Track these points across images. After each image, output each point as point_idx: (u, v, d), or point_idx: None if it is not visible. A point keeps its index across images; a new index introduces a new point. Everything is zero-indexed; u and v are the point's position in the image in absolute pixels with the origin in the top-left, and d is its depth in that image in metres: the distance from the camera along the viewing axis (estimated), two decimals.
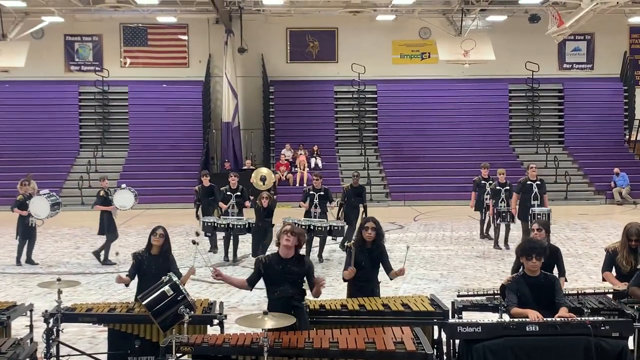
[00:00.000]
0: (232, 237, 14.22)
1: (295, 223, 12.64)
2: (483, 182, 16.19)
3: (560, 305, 6.34)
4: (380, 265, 7.54)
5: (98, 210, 14.27)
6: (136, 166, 26.35)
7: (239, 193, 14.59)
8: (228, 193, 14.55)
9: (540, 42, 26.06)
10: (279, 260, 6.53)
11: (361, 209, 14.82)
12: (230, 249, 14.27)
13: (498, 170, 15.43)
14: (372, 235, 7.41)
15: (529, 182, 14.46)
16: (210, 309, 7.22)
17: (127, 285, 7.66)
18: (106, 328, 7.29)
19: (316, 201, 14.19)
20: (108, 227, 14.11)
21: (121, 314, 7.05)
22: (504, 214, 14.96)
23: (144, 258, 7.61)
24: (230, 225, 14.00)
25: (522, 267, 6.58)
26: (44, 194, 14.24)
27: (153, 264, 7.55)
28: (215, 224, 14.20)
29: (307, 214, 14.15)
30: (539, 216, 13.65)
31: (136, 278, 7.64)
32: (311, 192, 14.33)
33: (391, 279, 7.71)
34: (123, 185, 15.17)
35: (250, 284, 6.69)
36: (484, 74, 27.77)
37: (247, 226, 14.01)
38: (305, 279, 6.58)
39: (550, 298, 6.37)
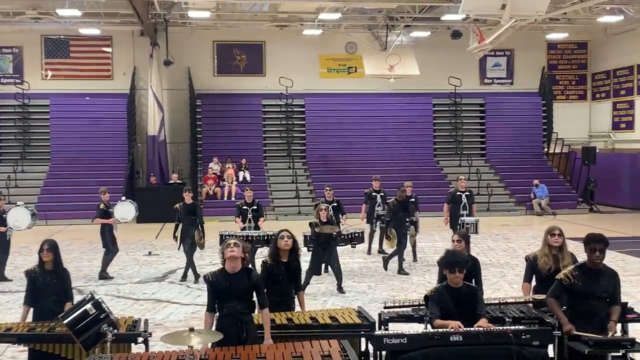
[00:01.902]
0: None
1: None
2: (374, 194, 16.23)
3: (480, 317, 6.44)
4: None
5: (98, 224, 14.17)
6: (58, 181, 25.65)
7: (255, 207, 14.37)
8: (244, 207, 14.31)
9: (463, 57, 26.70)
10: (225, 276, 6.44)
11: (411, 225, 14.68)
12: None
13: (405, 183, 15.44)
14: (289, 244, 7.40)
15: (458, 193, 15.28)
16: (134, 326, 7.07)
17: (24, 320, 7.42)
18: (26, 348, 7.07)
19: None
20: (111, 241, 13.99)
21: (42, 334, 6.83)
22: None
23: (37, 274, 7.45)
24: (249, 237, 13.30)
25: (445, 278, 6.67)
26: (21, 205, 14.46)
27: (48, 279, 7.41)
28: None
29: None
30: (467, 225, 14.45)
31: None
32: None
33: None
34: (123, 198, 14.95)
35: (212, 309, 6.47)
36: (409, 88, 28.26)
37: (265, 238, 13.44)
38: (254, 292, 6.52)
39: (472, 309, 6.45)
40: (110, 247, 14.05)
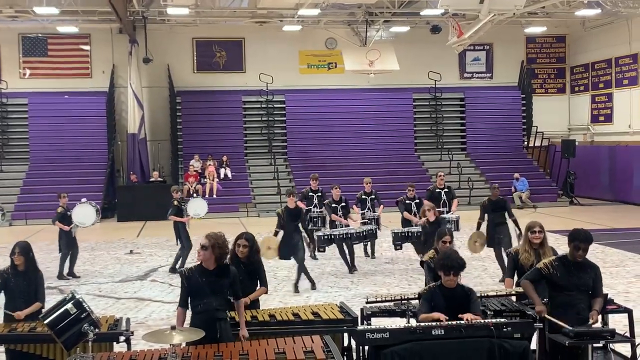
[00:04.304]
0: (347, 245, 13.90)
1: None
2: (311, 194, 15.77)
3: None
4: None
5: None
6: (38, 180, 25.41)
7: (343, 204, 14.35)
8: (333, 205, 14.27)
9: (442, 52, 26.80)
10: (202, 271, 6.34)
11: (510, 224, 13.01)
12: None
13: (364, 180, 15.41)
14: (245, 252, 7.40)
15: (437, 190, 14.73)
16: (116, 325, 7.03)
17: None
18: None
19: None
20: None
21: (22, 334, 6.78)
22: (369, 223, 14.74)
23: (10, 275, 7.42)
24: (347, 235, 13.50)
25: (440, 278, 6.55)
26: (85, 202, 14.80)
27: (19, 281, 7.38)
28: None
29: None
30: (448, 223, 13.58)
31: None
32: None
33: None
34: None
35: (185, 305, 6.35)
36: (389, 83, 28.32)
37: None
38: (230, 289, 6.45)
39: (465, 310, 6.38)
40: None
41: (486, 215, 13.07)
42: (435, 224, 11.61)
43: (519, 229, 12.03)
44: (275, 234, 12.52)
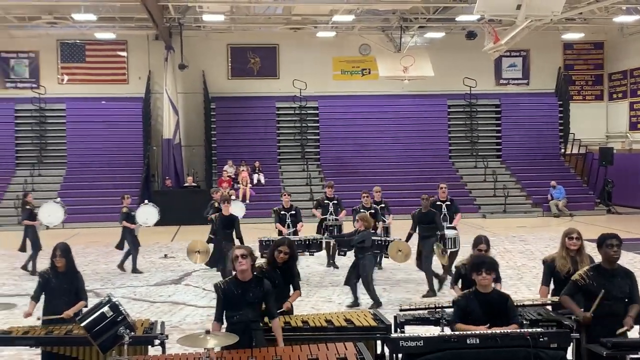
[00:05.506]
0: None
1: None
2: (326, 201, 15.46)
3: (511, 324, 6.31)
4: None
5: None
6: (74, 184, 25.80)
7: (293, 212, 14.17)
8: (282, 212, 14.13)
9: (478, 58, 26.58)
10: (237, 284, 6.38)
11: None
12: None
13: (374, 188, 15.08)
14: (285, 259, 7.39)
15: (438, 203, 13.71)
16: (151, 329, 7.10)
17: (29, 315, 7.46)
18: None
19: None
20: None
21: (59, 337, 6.86)
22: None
23: (51, 276, 7.51)
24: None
25: (474, 284, 6.48)
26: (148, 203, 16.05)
27: (60, 281, 7.46)
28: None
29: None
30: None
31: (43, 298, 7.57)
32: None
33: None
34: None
35: (220, 320, 6.38)
36: (423, 89, 28.20)
37: (306, 243, 13.44)
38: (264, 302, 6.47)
39: (502, 316, 6.29)
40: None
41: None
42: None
43: (443, 246, 12.14)
44: (209, 240, 12.68)
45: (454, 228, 13.40)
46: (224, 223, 12.44)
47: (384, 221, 14.67)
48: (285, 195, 14.67)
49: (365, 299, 11.35)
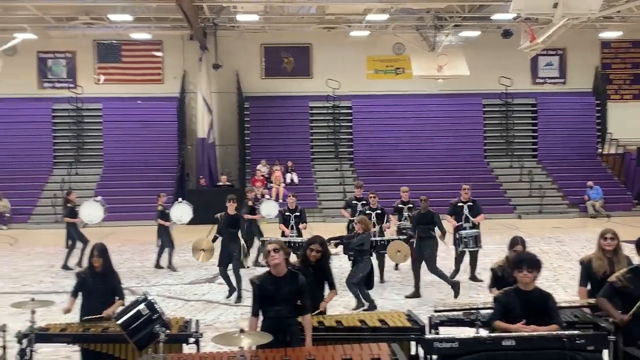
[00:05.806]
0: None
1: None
2: (354, 202, 15.13)
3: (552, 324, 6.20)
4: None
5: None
6: (111, 183, 26.12)
7: (297, 213, 14.14)
8: (287, 213, 14.13)
9: (513, 57, 26.29)
10: (272, 279, 6.40)
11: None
12: None
13: (401, 189, 14.93)
14: (318, 256, 7.40)
15: (459, 204, 13.58)
16: (186, 327, 7.14)
17: (69, 311, 7.57)
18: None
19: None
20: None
21: (96, 334, 6.96)
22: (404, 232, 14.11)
23: (88, 276, 7.59)
24: (292, 244, 12.80)
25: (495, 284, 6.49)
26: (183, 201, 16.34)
27: (97, 281, 7.53)
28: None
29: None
30: (465, 239, 13.12)
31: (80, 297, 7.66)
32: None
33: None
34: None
35: (257, 314, 6.39)
36: (458, 88, 27.99)
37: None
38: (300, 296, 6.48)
39: (543, 315, 6.20)
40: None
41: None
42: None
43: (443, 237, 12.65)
44: (214, 239, 12.54)
45: (477, 227, 13.36)
46: (229, 222, 12.38)
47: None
48: (290, 196, 14.64)
49: (380, 302, 11.34)
